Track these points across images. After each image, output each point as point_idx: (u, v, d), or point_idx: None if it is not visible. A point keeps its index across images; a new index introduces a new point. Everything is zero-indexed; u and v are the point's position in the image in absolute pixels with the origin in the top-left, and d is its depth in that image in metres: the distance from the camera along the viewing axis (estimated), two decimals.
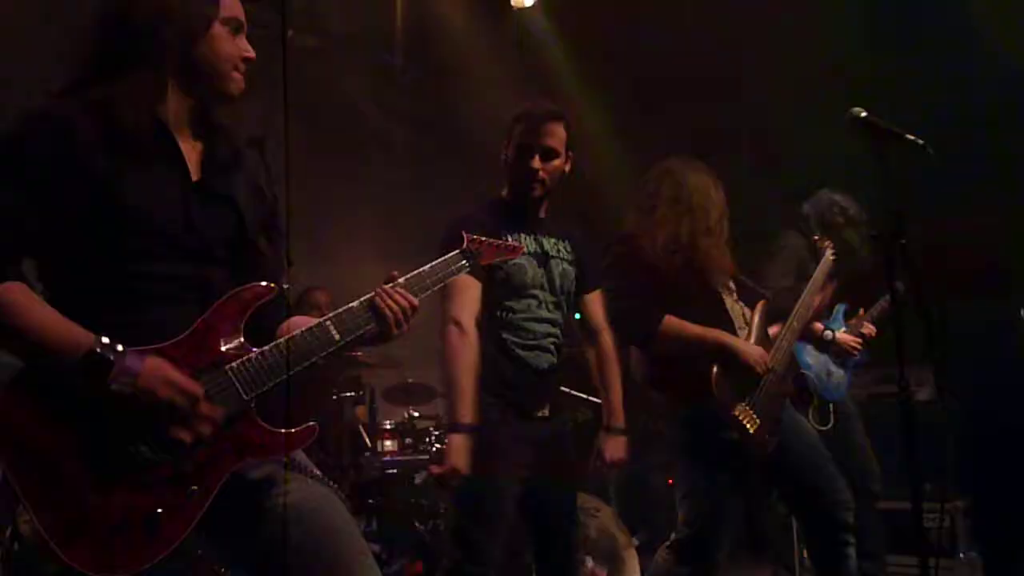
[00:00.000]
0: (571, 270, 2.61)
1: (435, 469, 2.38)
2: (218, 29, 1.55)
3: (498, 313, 2.46)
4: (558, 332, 2.56)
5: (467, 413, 2.31)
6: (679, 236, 2.66)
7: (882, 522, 3.51)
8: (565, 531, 2.55)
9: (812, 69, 4.56)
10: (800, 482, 2.71)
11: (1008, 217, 4.22)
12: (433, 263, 1.75)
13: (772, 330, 2.90)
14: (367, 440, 3.93)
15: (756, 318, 2.78)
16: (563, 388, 4.37)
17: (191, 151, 1.59)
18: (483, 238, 1.88)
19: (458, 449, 2.29)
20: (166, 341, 1.46)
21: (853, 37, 4.43)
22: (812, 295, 2.95)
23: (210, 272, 1.56)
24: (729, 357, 2.59)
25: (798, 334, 2.94)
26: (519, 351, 2.46)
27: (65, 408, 1.40)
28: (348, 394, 3.91)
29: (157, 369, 1.41)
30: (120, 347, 1.39)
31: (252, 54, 1.60)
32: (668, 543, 2.72)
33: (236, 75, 1.58)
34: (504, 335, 2.45)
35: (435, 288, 1.73)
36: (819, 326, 3.55)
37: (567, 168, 2.56)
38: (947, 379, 3.67)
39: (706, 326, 2.62)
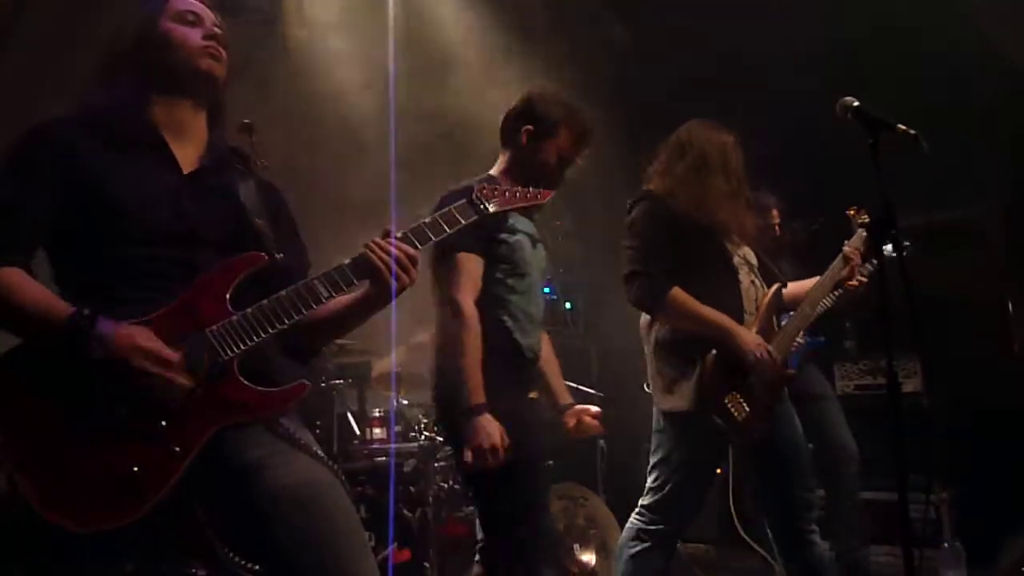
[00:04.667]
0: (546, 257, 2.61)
1: (471, 455, 2.23)
2: (167, 25, 1.69)
3: (498, 292, 2.42)
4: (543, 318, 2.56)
5: (479, 395, 2.26)
6: (702, 197, 2.67)
7: (856, 506, 3.54)
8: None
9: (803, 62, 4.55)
10: (774, 472, 2.72)
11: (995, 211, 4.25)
12: (434, 214, 1.69)
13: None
14: (356, 428, 3.93)
15: (766, 301, 2.76)
16: None
17: (188, 147, 1.72)
18: (497, 186, 1.78)
19: (493, 426, 2.22)
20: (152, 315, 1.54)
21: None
22: (824, 288, 2.95)
23: (202, 256, 1.62)
24: (728, 341, 2.60)
25: (807, 323, 2.94)
26: (517, 336, 2.43)
27: (49, 375, 1.48)
28: (337, 382, 3.90)
29: (128, 337, 1.48)
30: (90, 314, 1.48)
31: (215, 31, 1.70)
32: (636, 509, 2.79)
33: (201, 50, 1.68)
34: (503, 316, 2.41)
35: (438, 239, 1.67)
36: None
37: None
38: (933, 371, 3.72)
39: (716, 296, 2.64)
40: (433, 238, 1.66)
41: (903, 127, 2.15)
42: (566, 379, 4.45)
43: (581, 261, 5.80)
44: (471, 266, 2.34)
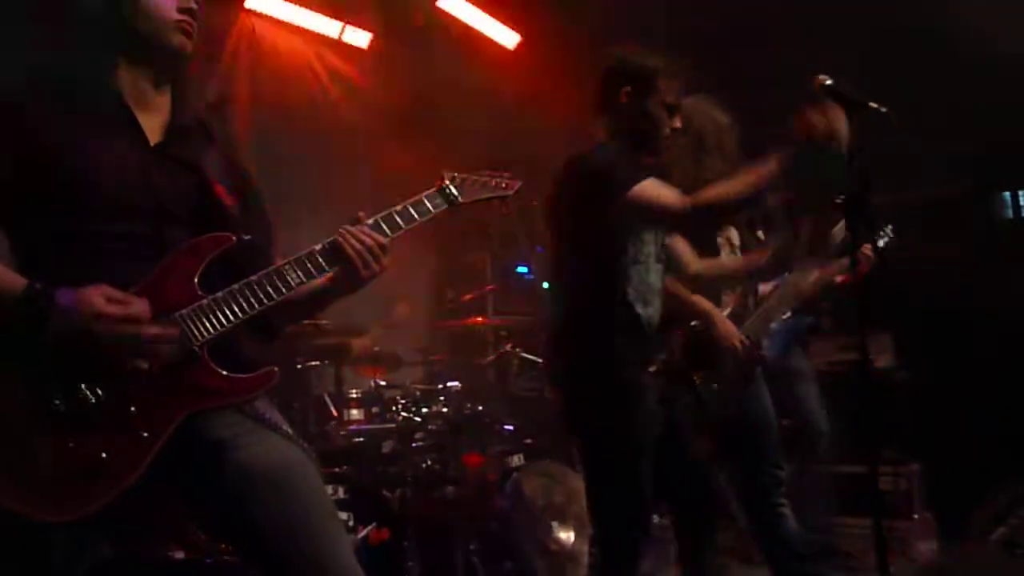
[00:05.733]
0: None
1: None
2: None
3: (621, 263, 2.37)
4: None
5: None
6: (695, 176, 2.66)
7: (824, 481, 3.59)
8: None
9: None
10: (743, 448, 2.77)
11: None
12: (406, 202, 1.68)
13: (764, 288, 2.95)
14: (333, 409, 3.92)
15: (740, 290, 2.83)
16: (530, 356, 4.44)
17: (152, 119, 1.63)
18: (465, 176, 1.77)
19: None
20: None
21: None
22: (812, 282, 2.98)
23: (170, 231, 1.58)
24: (707, 324, 2.66)
25: (788, 305, 2.97)
26: (638, 307, 2.37)
27: (8, 353, 1.41)
28: (313, 363, 3.89)
29: (89, 296, 1.42)
30: (44, 288, 1.41)
31: (191, 5, 1.63)
32: None
33: (173, 25, 1.61)
34: (627, 289, 2.36)
35: (408, 227, 1.66)
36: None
37: None
38: (905, 347, 3.78)
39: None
40: (404, 226, 1.65)
41: (874, 104, 2.16)
42: (541, 358, 4.50)
43: None
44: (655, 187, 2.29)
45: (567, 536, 3.70)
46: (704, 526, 2.53)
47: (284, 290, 1.57)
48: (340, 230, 1.60)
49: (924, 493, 3.91)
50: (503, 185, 1.82)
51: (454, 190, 1.73)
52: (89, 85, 1.59)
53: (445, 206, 1.72)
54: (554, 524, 3.69)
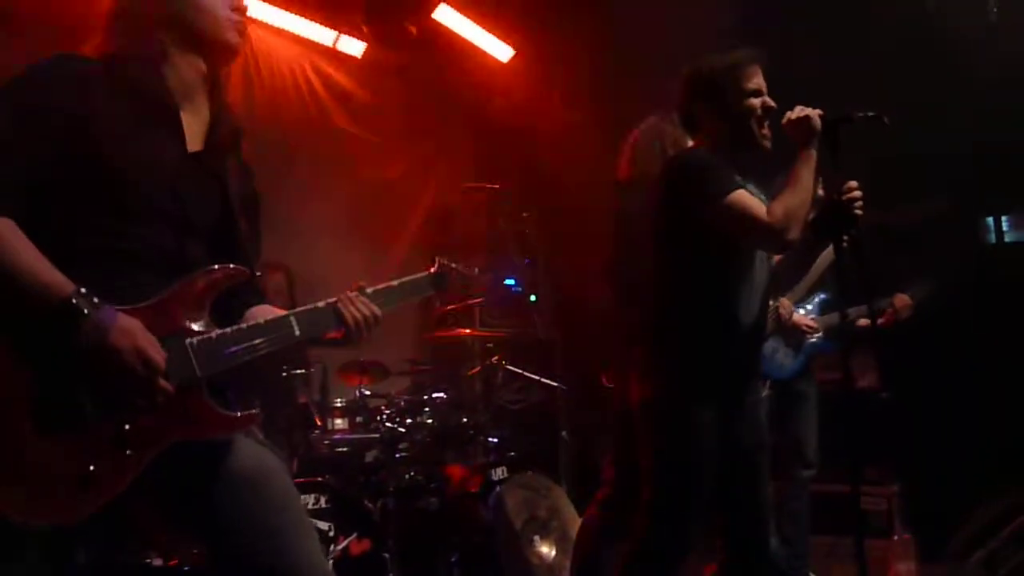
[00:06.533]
0: None
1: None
2: None
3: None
4: None
5: None
6: None
7: (807, 508, 3.61)
8: None
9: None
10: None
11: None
12: (402, 280, 1.81)
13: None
14: (317, 418, 3.90)
15: None
16: (515, 369, 4.44)
17: (195, 122, 1.65)
18: (454, 266, 1.92)
19: None
20: (134, 304, 1.48)
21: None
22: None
23: (189, 245, 1.59)
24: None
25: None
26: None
27: (28, 352, 1.41)
28: (299, 371, 3.87)
29: (129, 332, 1.43)
30: (97, 300, 1.42)
31: (242, 4, 1.65)
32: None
33: (229, 23, 1.63)
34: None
35: (400, 303, 1.79)
36: (786, 303, 3.59)
37: None
38: (888, 367, 3.80)
39: None
40: (394, 304, 1.77)
41: (861, 114, 2.17)
42: (531, 372, 4.51)
43: (546, 253, 5.83)
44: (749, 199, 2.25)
45: (548, 550, 3.70)
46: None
47: (288, 340, 1.62)
48: (341, 296, 1.69)
49: (904, 513, 3.92)
50: (477, 281, 2.01)
51: (443, 279, 1.89)
52: (145, 75, 1.56)
53: (433, 292, 1.88)
54: (536, 538, 3.69)
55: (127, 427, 1.45)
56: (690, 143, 2.68)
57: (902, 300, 3.74)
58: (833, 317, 3.55)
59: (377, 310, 1.71)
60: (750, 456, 2.37)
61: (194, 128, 1.63)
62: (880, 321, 3.63)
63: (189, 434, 1.52)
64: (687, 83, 2.45)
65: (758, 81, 2.37)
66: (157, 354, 1.45)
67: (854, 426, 2.17)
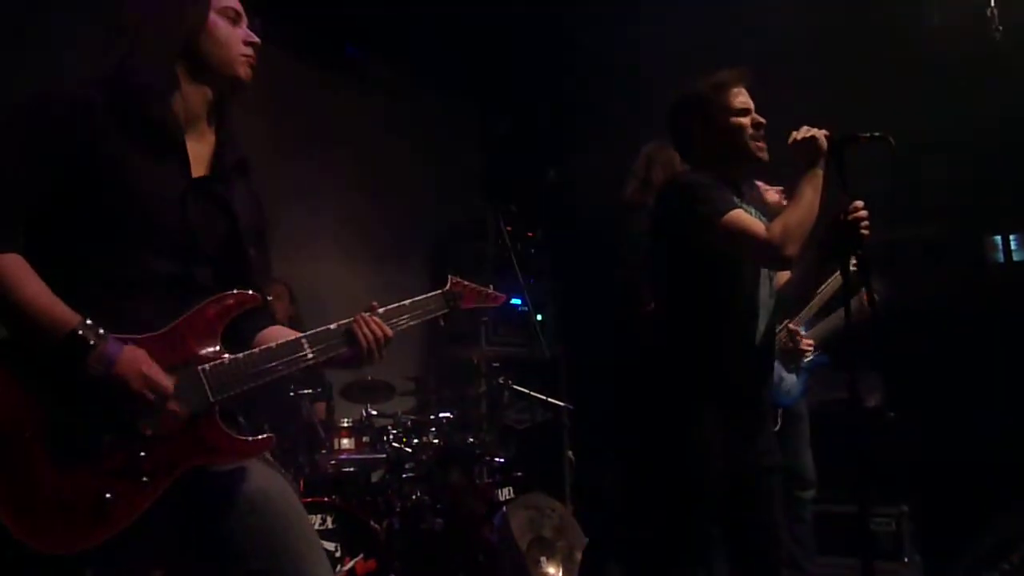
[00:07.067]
0: None
1: None
2: (215, 19, 1.63)
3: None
4: None
5: None
6: None
7: (810, 530, 3.58)
8: None
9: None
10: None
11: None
12: (415, 299, 1.80)
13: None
14: (323, 437, 3.90)
15: None
16: (521, 388, 4.44)
17: (200, 148, 1.65)
18: (467, 282, 1.91)
19: None
20: (144, 333, 1.50)
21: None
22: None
23: (197, 271, 1.60)
24: None
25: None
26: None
27: (37, 384, 1.42)
28: (306, 391, 3.87)
29: (134, 361, 1.44)
30: (102, 331, 1.43)
31: (255, 39, 1.67)
32: None
33: (242, 59, 1.65)
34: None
35: (411, 324, 1.78)
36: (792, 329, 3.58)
37: None
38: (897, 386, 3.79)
39: None
40: (407, 324, 1.77)
41: (867, 134, 2.17)
42: (536, 391, 4.50)
43: (551, 273, 5.84)
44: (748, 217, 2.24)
45: (554, 571, 3.68)
46: None
47: (299, 363, 1.62)
48: (356, 317, 1.68)
49: (913, 535, 3.89)
50: (495, 298, 1.99)
51: (456, 298, 1.87)
52: (153, 101, 1.56)
53: (445, 311, 1.86)
54: (542, 559, 3.67)
55: (143, 455, 1.45)
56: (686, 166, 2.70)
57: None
58: (820, 329, 3.51)
59: (390, 331, 1.70)
60: (759, 479, 2.36)
61: (199, 154, 1.64)
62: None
63: (204, 460, 1.52)
64: (675, 107, 2.47)
65: (744, 99, 2.38)
66: (164, 380, 1.46)
67: (862, 447, 2.15)
